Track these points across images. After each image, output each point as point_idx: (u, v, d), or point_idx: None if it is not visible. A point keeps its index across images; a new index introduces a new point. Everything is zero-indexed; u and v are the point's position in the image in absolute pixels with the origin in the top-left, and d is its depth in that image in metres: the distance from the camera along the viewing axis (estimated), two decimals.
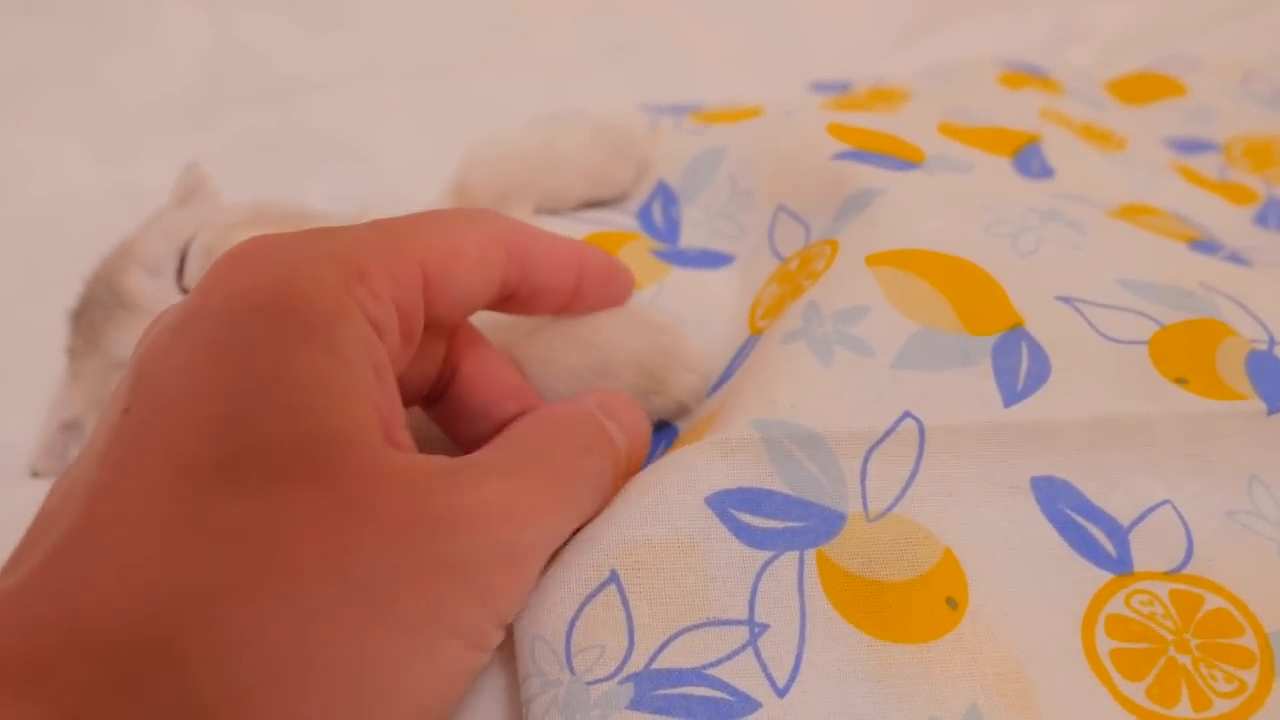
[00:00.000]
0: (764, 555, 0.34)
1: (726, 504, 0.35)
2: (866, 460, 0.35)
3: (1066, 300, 0.39)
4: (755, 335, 0.44)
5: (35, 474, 0.50)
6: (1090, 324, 0.39)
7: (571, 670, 0.32)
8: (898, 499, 0.35)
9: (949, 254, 0.40)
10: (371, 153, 0.78)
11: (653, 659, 0.32)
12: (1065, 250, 0.42)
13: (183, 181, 0.59)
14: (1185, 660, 0.33)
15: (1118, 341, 0.38)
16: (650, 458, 0.42)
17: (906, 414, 0.36)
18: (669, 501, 0.34)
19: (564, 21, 0.96)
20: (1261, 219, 0.55)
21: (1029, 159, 0.53)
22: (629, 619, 0.33)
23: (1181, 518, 0.36)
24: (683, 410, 0.43)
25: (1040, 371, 0.37)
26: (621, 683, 0.32)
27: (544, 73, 0.88)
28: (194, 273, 0.48)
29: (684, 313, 0.47)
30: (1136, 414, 0.36)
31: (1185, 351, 0.38)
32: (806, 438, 0.35)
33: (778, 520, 0.34)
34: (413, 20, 0.98)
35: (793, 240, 0.47)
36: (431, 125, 0.81)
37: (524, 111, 0.71)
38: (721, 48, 0.91)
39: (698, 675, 0.32)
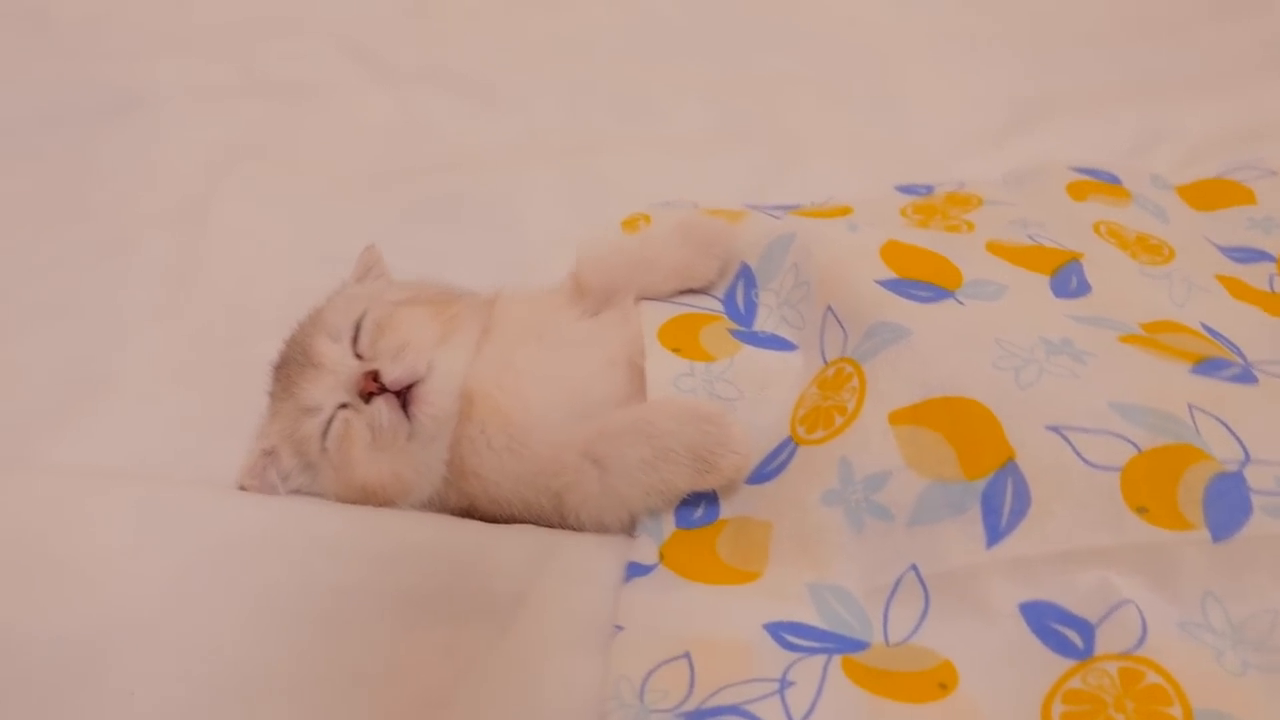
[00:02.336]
0: (801, 655, 0.46)
1: (779, 630, 0.47)
2: (887, 608, 0.47)
3: (1056, 429, 0.47)
4: (791, 438, 0.54)
5: (242, 488, 0.62)
6: (1075, 450, 0.46)
7: (642, 700, 0.44)
8: (911, 633, 0.47)
9: (957, 396, 0.49)
10: (518, 225, 0.90)
11: (703, 702, 0.44)
12: (1064, 379, 0.49)
13: (362, 259, 0.72)
14: (1120, 718, 0.41)
15: (1096, 467, 0.46)
16: (691, 520, 0.53)
17: (911, 566, 0.47)
18: (734, 622, 0.48)
19: (693, 105, 1.07)
20: None
21: (1068, 276, 0.60)
22: (691, 678, 0.45)
23: (1141, 614, 0.43)
24: (730, 484, 0.53)
25: (1021, 506, 0.46)
26: (677, 716, 0.44)
27: (672, 155, 0.98)
28: (365, 342, 0.60)
29: (745, 388, 0.57)
30: (1096, 547, 0.45)
31: (1151, 480, 0.45)
32: (843, 595, 0.49)
33: (815, 641, 0.47)
34: (565, 100, 1.10)
35: (835, 342, 0.57)
36: (571, 202, 0.92)
37: (650, 194, 0.82)
38: (834, 136, 0.99)
39: (734, 709, 0.43)
